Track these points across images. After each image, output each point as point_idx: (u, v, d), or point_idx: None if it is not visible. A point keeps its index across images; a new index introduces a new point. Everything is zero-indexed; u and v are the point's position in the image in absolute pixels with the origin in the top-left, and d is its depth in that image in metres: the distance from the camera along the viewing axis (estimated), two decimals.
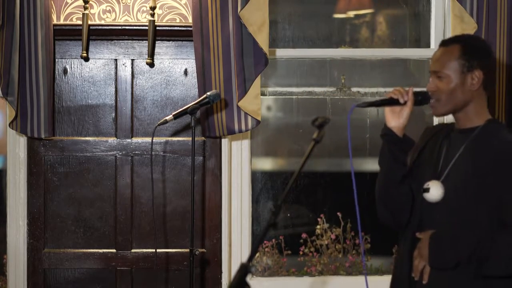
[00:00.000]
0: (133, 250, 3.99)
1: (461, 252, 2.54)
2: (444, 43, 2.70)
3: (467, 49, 2.64)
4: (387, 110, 2.70)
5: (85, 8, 3.88)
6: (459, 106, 2.66)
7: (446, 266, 2.58)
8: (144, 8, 3.96)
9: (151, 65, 3.99)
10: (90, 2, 3.92)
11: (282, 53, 4.16)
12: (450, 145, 2.69)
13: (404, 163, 2.70)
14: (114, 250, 3.99)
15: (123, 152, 3.99)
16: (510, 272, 2.53)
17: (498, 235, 2.53)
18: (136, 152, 3.99)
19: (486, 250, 2.51)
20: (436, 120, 4.09)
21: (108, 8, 3.98)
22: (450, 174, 2.63)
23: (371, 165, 4.05)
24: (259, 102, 3.88)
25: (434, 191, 2.60)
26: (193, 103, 3.55)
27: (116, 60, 4.00)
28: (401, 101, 2.67)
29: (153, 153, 3.89)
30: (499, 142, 2.59)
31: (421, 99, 2.68)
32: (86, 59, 3.98)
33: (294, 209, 4.25)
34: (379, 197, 2.77)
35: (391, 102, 2.67)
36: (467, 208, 2.58)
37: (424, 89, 2.71)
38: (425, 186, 2.64)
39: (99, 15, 3.97)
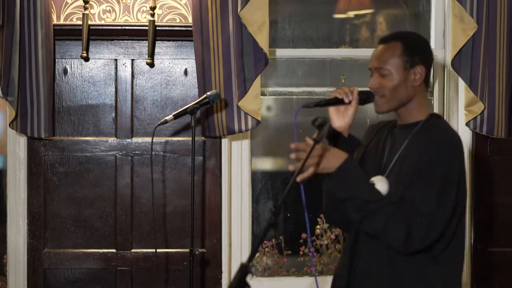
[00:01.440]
0: (133, 250, 3.99)
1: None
2: (384, 40, 2.70)
3: (408, 45, 2.65)
4: (332, 110, 2.69)
5: (85, 8, 3.88)
6: (402, 102, 2.66)
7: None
8: (144, 8, 3.96)
9: (151, 65, 4.00)
10: (90, 2, 3.92)
11: (282, 53, 4.16)
12: (393, 140, 2.70)
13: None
14: (114, 250, 3.99)
15: (123, 152, 3.99)
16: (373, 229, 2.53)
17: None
18: (136, 152, 3.99)
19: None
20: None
21: (108, 8, 3.98)
22: (393, 169, 2.62)
23: None
24: (259, 102, 3.88)
25: (379, 186, 2.57)
26: (193, 103, 3.55)
27: (116, 60, 4.00)
28: (346, 100, 2.66)
29: (153, 153, 3.89)
30: (436, 138, 2.58)
31: (365, 98, 2.68)
32: (86, 59, 3.98)
33: (294, 209, 4.25)
34: (327, 199, 2.75)
35: (336, 102, 2.66)
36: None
37: (367, 89, 2.70)
38: (370, 181, 2.61)
39: (99, 15, 3.97)
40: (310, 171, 2.49)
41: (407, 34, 2.81)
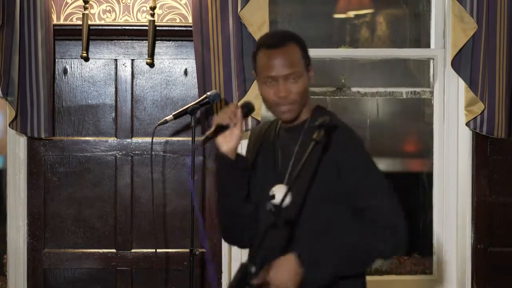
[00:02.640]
0: (133, 250, 3.99)
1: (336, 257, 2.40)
2: (276, 45, 2.48)
3: (302, 45, 2.52)
4: (218, 136, 2.51)
5: (85, 8, 3.88)
6: (305, 103, 2.54)
7: (324, 282, 2.38)
8: (144, 8, 3.96)
9: (151, 65, 3.99)
10: (90, 2, 3.92)
11: None
12: (283, 146, 2.56)
13: (244, 183, 2.55)
14: (114, 250, 3.99)
15: (123, 152, 3.99)
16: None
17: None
18: (136, 152, 3.99)
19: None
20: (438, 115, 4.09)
21: (108, 8, 3.98)
22: (292, 174, 2.43)
23: None
24: (259, 102, 3.87)
25: (280, 195, 2.37)
26: (193, 103, 3.55)
27: (116, 60, 4.00)
28: (231, 125, 2.49)
29: (153, 153, 3.88)
30: (334, 137, 2.45)
31: (246, 111, 2.55)
32: (86, 59, 3.98)
33: None
34: (224, 221, 2.63)
35: (222, 128, 2.49)
36: (324, 207, 2.45)
37: (244, 101, 2.61)
38: (270, 193, 2.47)
39: (99, 15, 3.97)
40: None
41: (291, 34, 2.58)
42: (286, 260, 2.34)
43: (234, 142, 2.50)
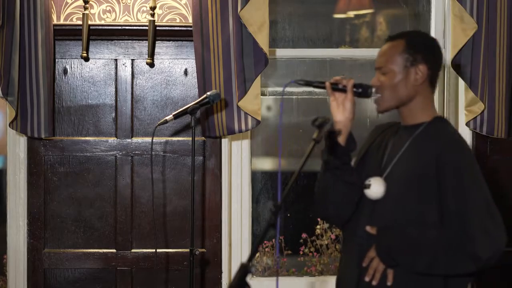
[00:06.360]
0: (133, 250, 3.99)
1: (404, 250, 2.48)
2: (390, 38, 2.64)
3: (411, 43, 2.59)
4: (332, 104, 2.61)
5: (85, 8, 3.88)
6: (402, 101, 2.60)
7: (390, 263, 2.50)
8: (144, 8, 3.97)
9: (151, 65, 4.00)
10: (90, 2, 3.92)
11: (282, 53, 4.16)
12: (395, 142, 2.64)
13: (347, 162, 2.63)
14: (114, 250, 3.99)
15: (123, 152, 3.99)
16: (425, 270, 2.47)
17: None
18: (136, 152, 4.00)
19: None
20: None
21: (108, 8, 3.98)
22: (393, 170, 2.57)
23: None
24: (259, 102, 3.88)
25: (375, 187, 2.54)
26: (193, 103, 3.55)
27: (116, 60, 4.00)
28: (340, 86, 2.60)
29: (153, 153, 3.89)
30: (443, 140, 2.54)
31: (361, 91, 2.60)
32: (86, 59, 3.98)
33: (294, 209, 4.25)
34: (323, 193, 2.66)
35: (337, 88, 2.60)
36: (410, 206, 2.51)
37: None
38: (367, 182, 2.57)
39: (99, 15, 3.97)
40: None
41: (413, 33, 2.75)
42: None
43: (346, 113, 2.59)
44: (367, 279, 2.52)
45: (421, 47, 2.60)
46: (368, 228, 2.55)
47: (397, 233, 2.49)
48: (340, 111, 2.60)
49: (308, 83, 2.65)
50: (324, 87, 2.62)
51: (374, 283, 2.51)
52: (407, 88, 2.59)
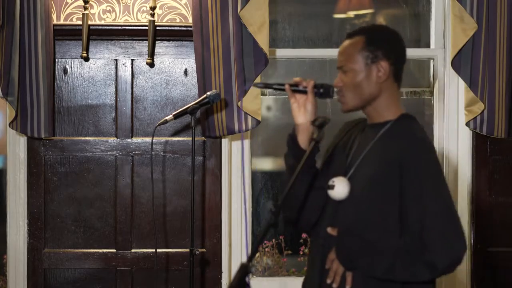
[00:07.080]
0: (133, 250, 3.99)
1: (360, 254, 2.41)
2: (350, 35, 2.54)
3: (371, 39, 2.48)
4: (293, 106, 2.55)
5: (85, 8, 3.88)
6: (366, 100, 2.48)
7: (349, 266, 2.42)
8: (144, 8, 3.97)
9: (151, 65, 4.00)
10: (90, 2, 3.92)
11: (282, 53, 4.16)
12: (361, 140, 2.53)
13: (313, 165, 2.56)
14: (114, 250, 3.99)
15: (123, 152, 3.99)
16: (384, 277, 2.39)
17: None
18: (136, 152, 4.00)
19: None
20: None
21: (108, 8, 3.98)
22: (357, 170, 2.47)
23: None
24: (259, 102, 3.88)
25: (339, 188, 2.44)
26: (193, 103, 3.55)
27: (116, 60, 4.00)
28: (300, 87, 2.53)
29: (153, 153, 3.89)
30: (407, 140, 2.44)
31: (322, 91, 2.54)
32: (86, 59, 3.98)
33: None
34: (289, 198, 2.55)
35: (297, 89, 2.55)
36: (373, 207, 2.43)
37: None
38: (330, 182, 2.48)
39: (99, 15, 3.97)
40: None
41: (373, 28, 2.63)
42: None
43: (307, 115, 2.53)
44: (328, 281, 2.45)
45: (381, 43, 2.49)
46: (329, 230, 2.47)
47: (357, 236, 2.42)
48: (302, 113, 2.54)
49: (267, 86, 2.63)
50: (284, 89, 2.56)
51: (334, 286, 2.44)
52: (370, 87, 2.48)
